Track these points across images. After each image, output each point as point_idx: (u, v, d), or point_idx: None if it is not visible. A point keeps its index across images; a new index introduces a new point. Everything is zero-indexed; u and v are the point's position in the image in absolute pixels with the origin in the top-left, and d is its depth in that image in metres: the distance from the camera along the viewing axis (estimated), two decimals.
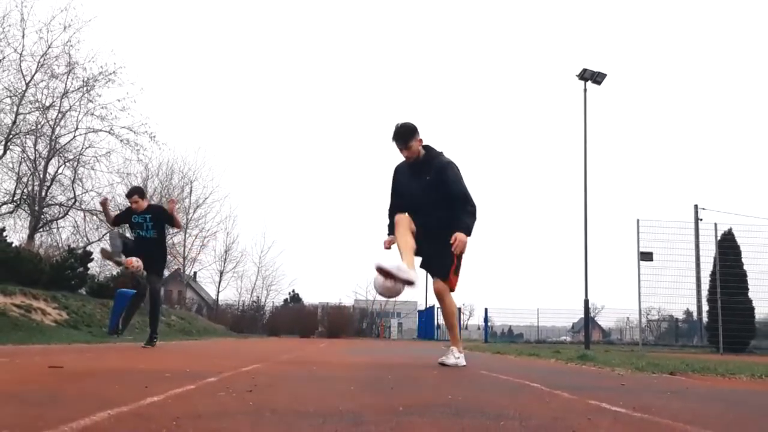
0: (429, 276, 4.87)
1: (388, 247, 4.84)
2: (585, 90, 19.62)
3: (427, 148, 4.76)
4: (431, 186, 4.66)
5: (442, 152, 4.82)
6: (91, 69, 17.79)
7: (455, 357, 4.68)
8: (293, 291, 35.40)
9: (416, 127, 4.68)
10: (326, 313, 29.29)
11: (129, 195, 7.47)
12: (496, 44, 72.94)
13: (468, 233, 4.57)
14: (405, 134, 4.63)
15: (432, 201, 4.66)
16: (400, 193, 4.87)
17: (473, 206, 4.69)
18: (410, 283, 4.23)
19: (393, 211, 4.85)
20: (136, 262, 6.85)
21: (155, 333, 7.18)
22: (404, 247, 4.48)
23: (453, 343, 4.84)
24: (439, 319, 30.28)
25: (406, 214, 4.66)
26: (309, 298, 33.96)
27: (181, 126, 51.15)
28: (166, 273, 29.51)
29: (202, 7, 62.71)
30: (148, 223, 7.26)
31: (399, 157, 4.82)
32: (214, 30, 63.87)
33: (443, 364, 4.61)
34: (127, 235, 7.89)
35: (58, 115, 17.88)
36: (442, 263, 4.65)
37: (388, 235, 4.89)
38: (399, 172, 4.91)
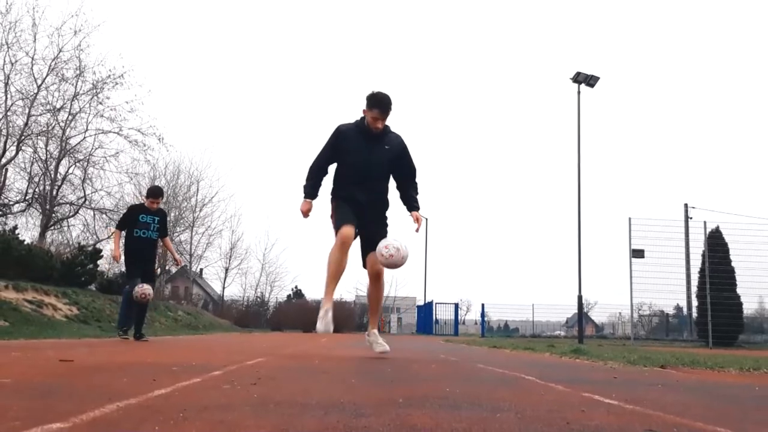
0: (364, 252, 4.61)
1: (307, 215, 4.48)
2: (579, 92, 19.64)
3: None
4: (389, 157, 4.56)
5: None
6: (100, 72, 17.80)
7: (383, 342, 4.63)
8: (296, 287, 35.49)
9: None
10: None
11: (154, 195, 7.26)
12: (494, 48, 72.88)
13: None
14: (390, 105, 4.47)
15: (384, 172, 4.58)
16: (350, 155, 4.51)
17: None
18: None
19: (319, 173, 4.57)
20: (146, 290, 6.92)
21: (141, 329, 7.22)
22: (333, 276, 4.29)
23: (375, 325, 4.71)
24: (435, 315, 30.22)
25: (351, 228, 4.36)
26: (311, 294, 33.96)
27: (188, 127, 51.34)
28: (173, 270, 29.58)
29: (208, 10, 62.66)
30: (155, 225, 7.18)
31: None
32: (220, 33, 63.83)
33: (383, 353, 4.53)
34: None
35: (68, 117, 17.89)
36: (382, 237, 4.53)
37: (306, 198, 4.51)
38: (348, 135, 4.54)
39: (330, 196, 4.65)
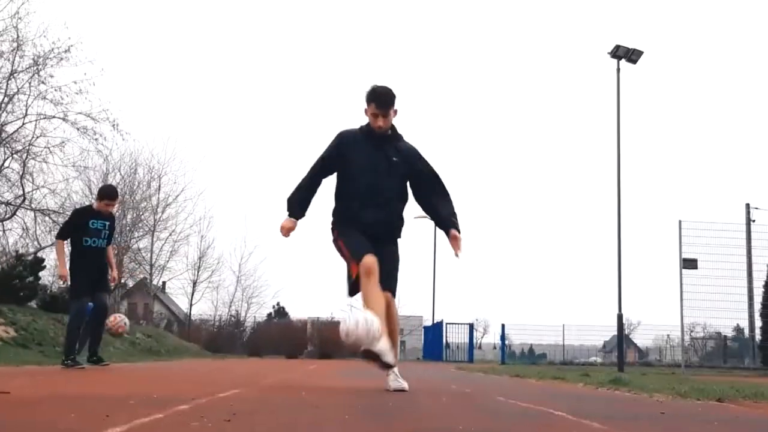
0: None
1: (287, 234, 4.40)
2: (618, 70, 19.65)
3: (392, 126, 4.53)
4: (397, 169, 4.48)
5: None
6: (41, 45, 17.80)
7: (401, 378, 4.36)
8: (278, 304, 35.50)
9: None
10: (317, 330, 29.31)
11: (110, 197, 7.19)
12: (518, 21, 73.05)
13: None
14: (390, 97, 4.37)
15: (394, 187, 4.50)
16: (356, 165, 4.43)
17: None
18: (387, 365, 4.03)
19: (312, 186, 4.49)
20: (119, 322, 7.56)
21: (98, 350, 7.20)
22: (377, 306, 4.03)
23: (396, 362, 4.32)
24: (447, 340, 30.25)
25: (372, 257, 4.14)
26: (296, 313, 34.00)
27: (148, 113, 51.26)
28: (130, 283, 29.60)
29: None
30: (106, 231, 7.15)
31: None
32: (184, 4, 63.97)
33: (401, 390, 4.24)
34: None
35: (4, 99, 17.89)
36: (394, 275, 4.46)
37: (290, 215, 4.43)
38: (352, 139, 4.50)
39: (331, 225, 4.56)
